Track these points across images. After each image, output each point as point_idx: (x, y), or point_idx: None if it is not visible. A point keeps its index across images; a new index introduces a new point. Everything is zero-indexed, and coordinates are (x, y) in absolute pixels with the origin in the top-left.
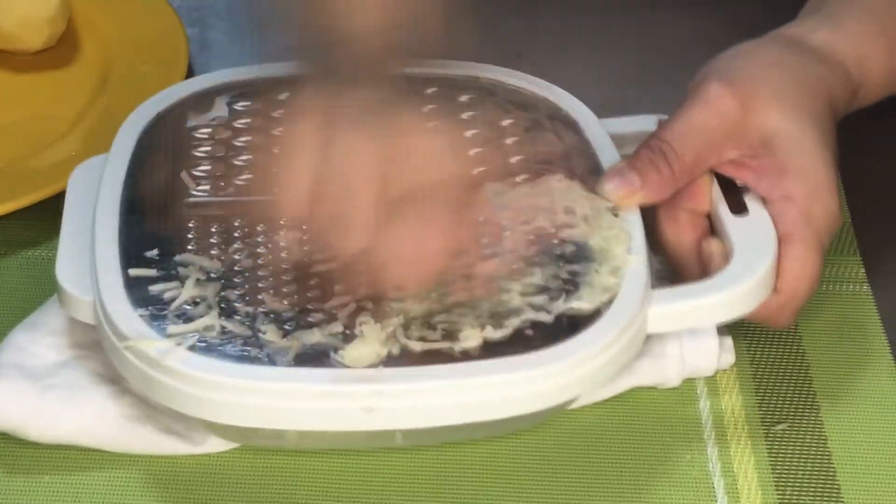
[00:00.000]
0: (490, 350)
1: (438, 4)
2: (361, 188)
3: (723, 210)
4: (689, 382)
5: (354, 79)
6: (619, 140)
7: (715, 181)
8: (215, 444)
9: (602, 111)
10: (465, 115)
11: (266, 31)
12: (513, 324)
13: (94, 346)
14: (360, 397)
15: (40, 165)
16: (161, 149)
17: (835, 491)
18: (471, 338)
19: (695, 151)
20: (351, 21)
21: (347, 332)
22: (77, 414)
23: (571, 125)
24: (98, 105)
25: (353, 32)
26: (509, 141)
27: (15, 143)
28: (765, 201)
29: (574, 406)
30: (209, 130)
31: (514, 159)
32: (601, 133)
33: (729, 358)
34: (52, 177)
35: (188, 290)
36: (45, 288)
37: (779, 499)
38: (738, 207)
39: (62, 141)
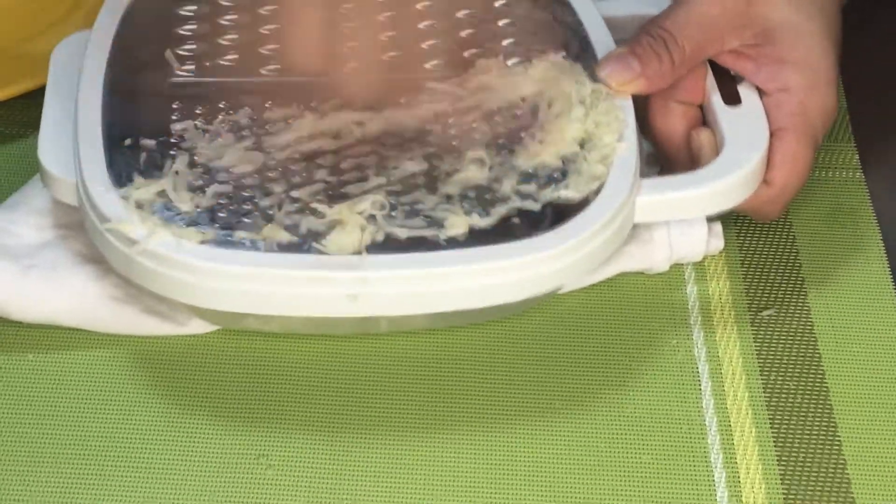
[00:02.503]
0: (476, 238)
1: None
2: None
3: (716, 101)
4: (677, 267)
5: None
6: (612, 23)
7: (710, 72)
8: (198, 326)
9: None
10: None
11: None
12: (499, 212)
13: (77, 226)
14: (343, 283)
15: (35, 51)
16: (146, 27)
17: (819, 376)
18: (457, 225)
19: (696, 41)
20: None
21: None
22: (59, 294)
23: (564, 5)
24: None
25: None
26: (501, 23)
27: (7, 27)
28: (761, 93)
29: (561, 291)
30: (195, 8)
31: (505, 42)
32: (594, 14)
33: (718, 243)
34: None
35: (168, 174)
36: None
37: (763, 383)
38: (732, 98)
39: (59, 25)
